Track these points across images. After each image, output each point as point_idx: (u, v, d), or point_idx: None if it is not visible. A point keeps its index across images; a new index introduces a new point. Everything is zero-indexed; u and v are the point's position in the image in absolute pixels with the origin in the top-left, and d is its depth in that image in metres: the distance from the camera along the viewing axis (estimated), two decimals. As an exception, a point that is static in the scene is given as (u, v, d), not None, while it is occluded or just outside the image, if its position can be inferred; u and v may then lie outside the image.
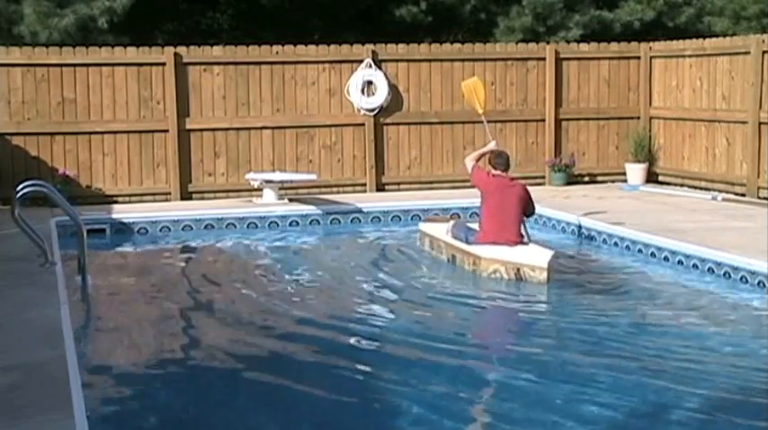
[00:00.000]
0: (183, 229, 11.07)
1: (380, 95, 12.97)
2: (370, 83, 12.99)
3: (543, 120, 13.70)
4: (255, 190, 12.10)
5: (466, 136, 13.51)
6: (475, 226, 9.27)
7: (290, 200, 12.07)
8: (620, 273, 8.99)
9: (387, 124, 13.21)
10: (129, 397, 5.71)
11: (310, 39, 14.91)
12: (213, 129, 12.66)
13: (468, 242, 9.04)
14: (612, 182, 13.76)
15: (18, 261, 8.04)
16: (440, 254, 9.51)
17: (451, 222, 9.67)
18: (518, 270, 8.45)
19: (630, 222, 10.04)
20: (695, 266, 8.59)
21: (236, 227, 11.19)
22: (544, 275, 8.29)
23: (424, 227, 10.12)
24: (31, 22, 14.57)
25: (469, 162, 9.49)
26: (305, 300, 8.15)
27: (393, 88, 13.13)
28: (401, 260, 9.66)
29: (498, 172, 9.16)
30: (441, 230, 9.63)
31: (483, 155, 9.72)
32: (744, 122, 12.15)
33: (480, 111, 10.10)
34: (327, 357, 6.46)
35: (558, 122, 13.73)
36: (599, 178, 13.90)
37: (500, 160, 9.22)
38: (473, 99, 10.23)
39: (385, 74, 13.05)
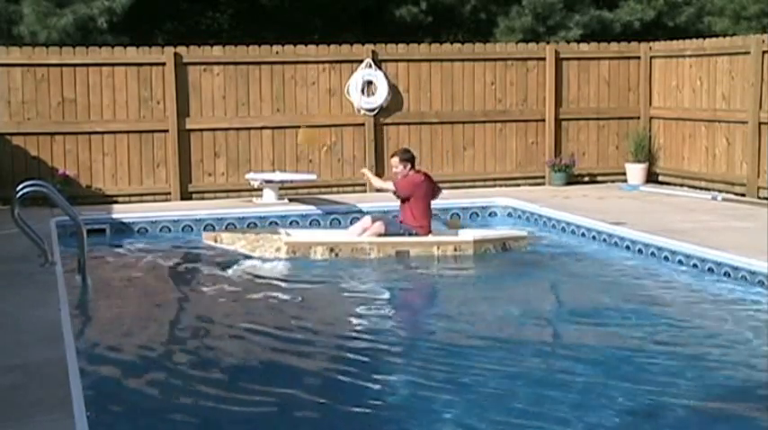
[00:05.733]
0: (182, 229, 11.07)
1: (380, 95, 12.97)
2: (370, 83, 12.99)
3: (543, 121, 13.70)
4: (255, 190, 12.10)
5: (466, 136, 13.51)
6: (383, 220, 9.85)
7: (290, 200, 12.07)
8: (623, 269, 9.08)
9: (387, 124, 13.20)
10: (128, 396, 5.70)
11: (310, 39, 14.92)
12: (213, 129, 12.66)
13: (410, 236, 9.61)
14: (612, 182, 13.76)
15: (18, 261, 8.04)
16: (363, 255, 9.44)
17: (375, 224, 9.74)
18: (504, 244, 9.76)
19: (631, 222, 10.04)
20: (695, 266, 8.59)
21: (236, 227, 11.17)
22: (526, 242, 9.92)
23: (301, 236, 9.96)
24: (30, 22, 14.57)
25: (380, 182, 10.28)
26: (307, 299, 8.16)
27: (393, 88, 13.12)
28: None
29: (414, 170, 9.84)
30: (347, 235, 9.87)
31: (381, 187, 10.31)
32: (744, 122, 12.15)
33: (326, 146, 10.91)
34: (337, 360, 6.47)
35: (558, 122, 13.72)
36: (599, 178, 13.90)
37: (410, 154, 9.94)
38: (315, 140, 11.16)
39: (385, 74, 13.04)
